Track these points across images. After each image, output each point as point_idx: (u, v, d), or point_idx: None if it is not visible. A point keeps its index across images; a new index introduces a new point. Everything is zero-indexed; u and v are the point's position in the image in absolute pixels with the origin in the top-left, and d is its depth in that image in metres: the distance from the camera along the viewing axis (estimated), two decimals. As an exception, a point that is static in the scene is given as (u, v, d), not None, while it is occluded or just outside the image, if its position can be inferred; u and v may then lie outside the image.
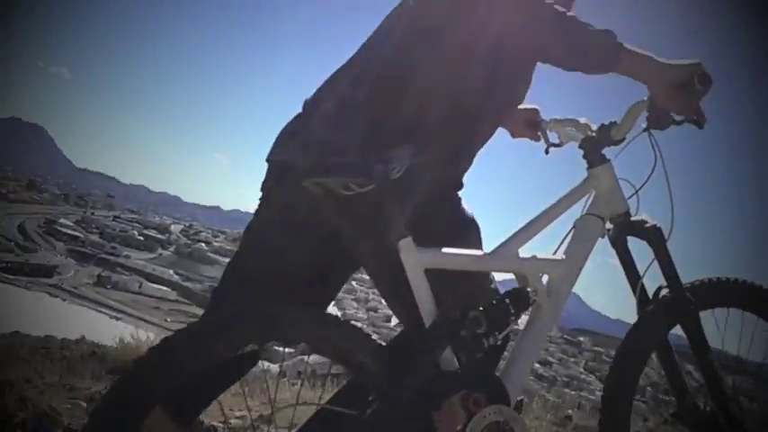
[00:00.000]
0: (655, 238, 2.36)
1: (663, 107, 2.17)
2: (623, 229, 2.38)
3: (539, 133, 2.78)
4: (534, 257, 2.20)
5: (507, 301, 2.07)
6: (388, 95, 2.09)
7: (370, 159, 1.87)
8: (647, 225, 2.36)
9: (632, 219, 2.38)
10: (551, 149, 2.75)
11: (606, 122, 2.37)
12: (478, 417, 1.91)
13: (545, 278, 2.21)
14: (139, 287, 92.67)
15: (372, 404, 1.83)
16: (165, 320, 75.76)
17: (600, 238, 2.33)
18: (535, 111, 2.77)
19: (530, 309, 2.16)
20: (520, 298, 2.11)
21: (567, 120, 2.61)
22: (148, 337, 8.62)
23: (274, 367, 11.66)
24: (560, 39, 2.01)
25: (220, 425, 4.53)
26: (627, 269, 2.41)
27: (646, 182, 2.35)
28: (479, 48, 2.09)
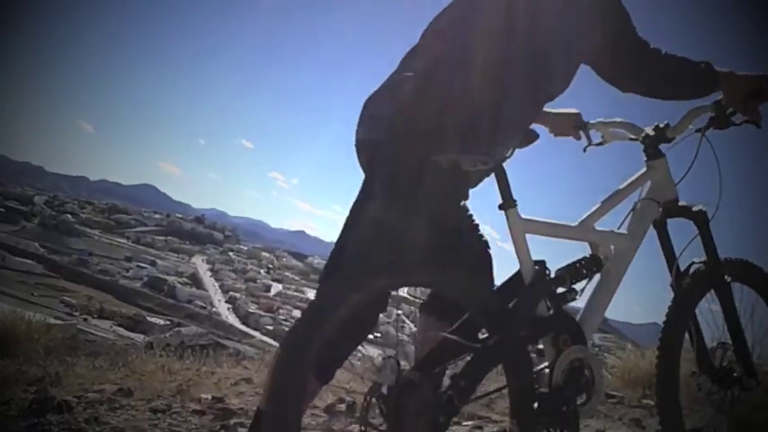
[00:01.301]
0: (700, 219, 2.93)
1: (735, 110, 2.74)
2: (672, 212, 2.91)
3: (581, 133, 3.22)
4: (605, 231, 2.80)
5: (584, 264, 2.64)
6: (482, 85, 2.43)
7: (491, 143, 2.33)
8: (695, 209, 2.93)
9: (680, 204, 2.92)
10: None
11: (661, 124, 2.88)
12: (565, 353, 2.46)
13: (612, 247, 2.75)
14: (2, 261, 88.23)
15: (485, 338, 2.33)
16: (32, 295, 72.69)
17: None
18: (578, 114, 3.20)
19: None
20: (594, 262, 2.67)
21: (614, 121, 3.12)
22: (3, 311, 8.24)
23: (141, 341, 11.37)
24: (673, 82, 2.74)
25: (75, 399, 4.41)
26: (665, 247, 2.93)
27: (685, 174, 2.92)
28: (573, 62, 2.66)
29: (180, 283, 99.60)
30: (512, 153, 2.38)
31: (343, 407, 5.03)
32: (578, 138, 3.23)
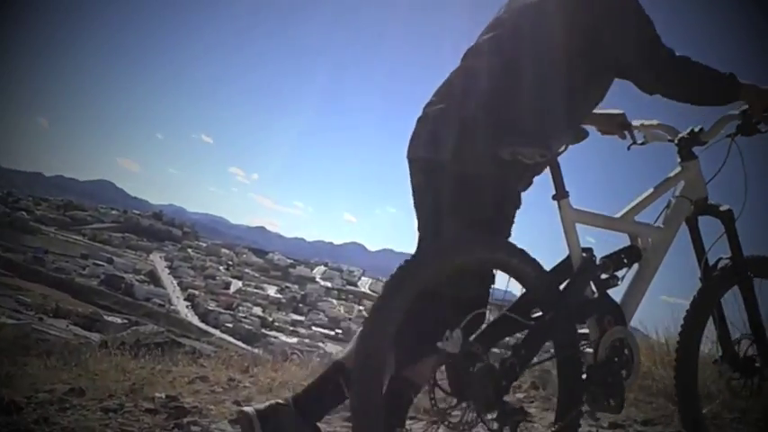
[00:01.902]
0: (727, 218, 3.22)
1: (758, 119, 3.03)
2: (702, 209, 3.19)
3: (625, 132, 3.44)
4: (644, 224, 3.11)
5: (625, 253, 2.97)
6: (543, 89, 2.81)
7: (549, 138, 2.67)
8: (722, 208, 3.22)
9: (709, 202, 3.21)
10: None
11: (696, 128, 3.19)
12: (608, 333, 2.77)
13: (650, 240, 3.04)
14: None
15: (540, 316, 2.71)
16: (-15, 294, 71.29)
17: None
18: (623, 114, 3.41)
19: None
20: (633, 252, 2.99)
21: (653, 123, 3.38)
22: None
23: (97, 340, 11.22)
24: (696, 89, 2.98)
25: (24, 400, 4.35)
26: (695, 242, 3.24)
27: (715, 175, 3.22)
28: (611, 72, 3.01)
29: (137, 280, 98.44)
30: (565, 149, 2.74)
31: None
32: (623, 137, 3.46)
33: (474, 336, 2.54)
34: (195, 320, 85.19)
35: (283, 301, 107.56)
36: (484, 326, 2.66)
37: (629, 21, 2.85)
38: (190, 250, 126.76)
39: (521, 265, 2.63)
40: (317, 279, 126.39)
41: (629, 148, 3.47)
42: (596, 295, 2.84)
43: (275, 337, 68.09)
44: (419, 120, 3.01)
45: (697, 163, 3.19)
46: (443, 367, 2.40)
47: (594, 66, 2.88)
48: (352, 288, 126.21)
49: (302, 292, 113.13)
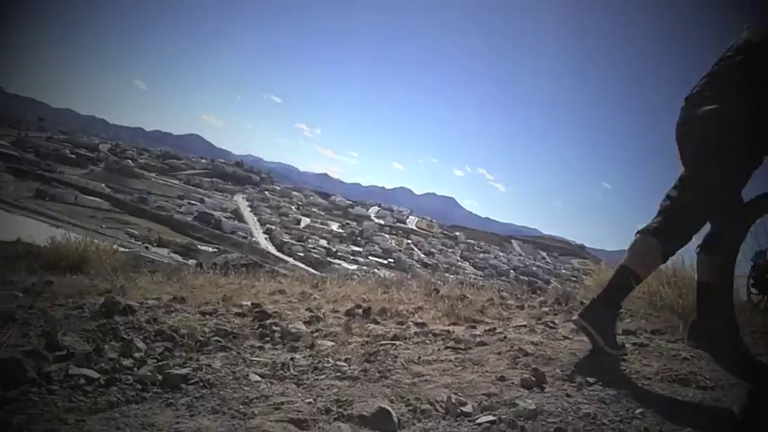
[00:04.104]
0: None
1: None
2: None
3: None
4: None
5: None
6: None
7: None
8: None
9: None
10: None
11: None
12: None
13: None
14: (75, 199, 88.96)
15: None
16: (101, 227, 73.35)
17: None
18: None
19: None
20: None
21: None
22: (77, 238, 8.34)
23: (193, 263, 11.48)
24: None
25: (137, 304, 4.49)
26: None
27: None
28: None
29: (225, 217, 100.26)
30: None
31: (359, 311, 5.10)
32: None
33: None
34: (272, 250, 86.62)
35: (344, 235, 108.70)
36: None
37: None
38: (266, 192, 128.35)
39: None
40: (372, 217, 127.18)
41: None
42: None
43: (338, 264, 68.90)
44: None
45: None
46: None
47: None
48: (401, 225, 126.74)
49: (360, 228, 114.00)
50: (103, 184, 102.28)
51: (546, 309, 5.76)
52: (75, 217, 76.00)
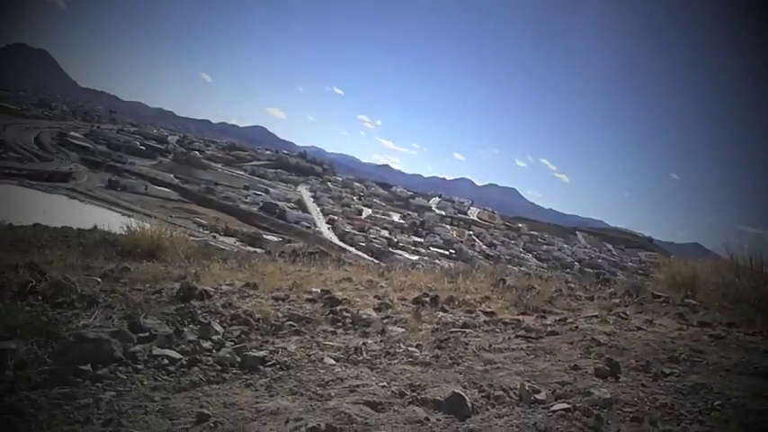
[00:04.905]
0: None
1: None
2: None
3: None
4: None
5: None
6: None
7: None
8: None
9: None
10: None
11: None
12: None
13: None
14: (145, 189, 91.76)
15: None
16: (170, 216, 75.48)
17: None
18: None
19: None
20: None
21: None
22: (150, 227, 8.65)
23: (261, 252, 11.73)
24: None
25: (212, 290, 4.64)
26: None
27: None
28: None
29: (288, 207, 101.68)
30: None
31: (426, 299, 5.13)
32: None
33: None
34: (335, 239, 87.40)
35: (405, 225, 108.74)
36: None
37: None
38: (329, 183, 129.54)
39: None
40: (433, 208, 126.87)
41: None
42: None
43: (400, 255, 68.97)
44: None
45: None
46: None
47: None
48: (462, 216, 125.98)
49: (421, 219, 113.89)
50: (172, 175, 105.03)
51: (616, 300, 5.68)
52: (146, 206, 78.35)
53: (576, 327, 4.03)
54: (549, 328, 4.01)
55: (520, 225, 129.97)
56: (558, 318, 4.49)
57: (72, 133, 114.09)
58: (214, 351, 3.18)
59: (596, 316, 4.56)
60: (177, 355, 2.98)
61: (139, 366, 2.82)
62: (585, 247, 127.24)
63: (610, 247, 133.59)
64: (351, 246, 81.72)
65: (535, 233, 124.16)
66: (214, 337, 3.39)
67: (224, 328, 3.64)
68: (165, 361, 2.90)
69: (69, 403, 2.36)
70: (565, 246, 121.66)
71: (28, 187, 74.62)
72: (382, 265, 9.98)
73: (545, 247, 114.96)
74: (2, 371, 2.58)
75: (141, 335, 3.26)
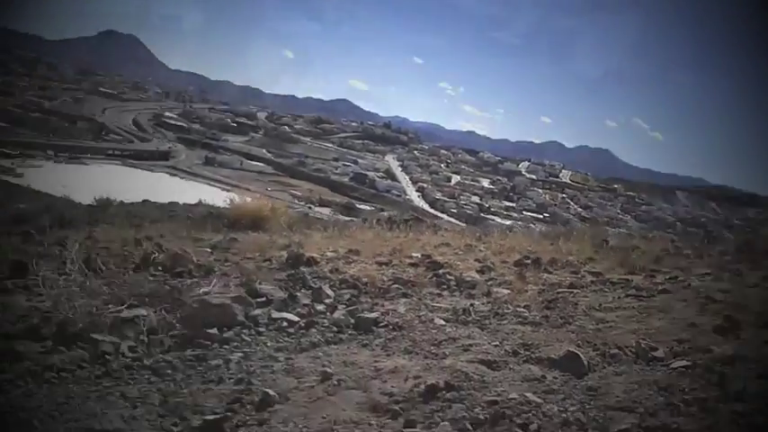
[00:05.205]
0: None
1: None
2: None
3: None
4: None
5: None
6: None
7: None
8: None
9: None
10: None
11: None
12: None
13: None
14: (241, 164, 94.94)
15: None
16: (267, 189, 77.89)
17: None
18: None
19: None
20: None
21: None
22: (251, 200, 8.97)
23: (357, 220, 11.93)
24: None
25: (318, 256, 4.79)
26: None
27: None
28: None
29: (378, 177, 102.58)
30: None
31: (528, 261, 5.10)
32: None
33: None
34: (426, 207, 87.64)
35: (495, 191, 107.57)
36: None
37: None
38: (415, 152, 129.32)
39: None
40: (523, 172, 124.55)
41: None
42: None
43: (492, 220, 68.51)
44: None
45: None
46: None
47: None
48: (554, 179, 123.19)
49: (511, 184, 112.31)
50: (264, 150, 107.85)
51: (728, 257, 5.46)
52: (243, 181, 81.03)
53: (689, 285, 3.92)
54: (660, 287, 3.91)
55: (615, 186, 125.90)
56: (668, 276, 4.36)
57: (167, 114, 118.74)
58: (328, 314, 3.31)
59: (708, 273, 4.41)
60: (295, 318, 3.12)
61: (261, 329, 2.98)
62: (687, 206, 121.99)
63: (713, 205, 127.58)
64: (442, 212, 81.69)
65: (632, 194, 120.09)
66: (326, 301, 3.52)
67: (334, 291, 3.76)
68: (285, 323, 3.04)
69: (202, 364, 2.52)
70: (665, 205, 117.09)
71: (131, 167, 78.58)
72: (478, 230, 9.96)
73: (644, 207, 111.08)
74: (137, 335, 2.77)
75: (259, 299, 3.42)
